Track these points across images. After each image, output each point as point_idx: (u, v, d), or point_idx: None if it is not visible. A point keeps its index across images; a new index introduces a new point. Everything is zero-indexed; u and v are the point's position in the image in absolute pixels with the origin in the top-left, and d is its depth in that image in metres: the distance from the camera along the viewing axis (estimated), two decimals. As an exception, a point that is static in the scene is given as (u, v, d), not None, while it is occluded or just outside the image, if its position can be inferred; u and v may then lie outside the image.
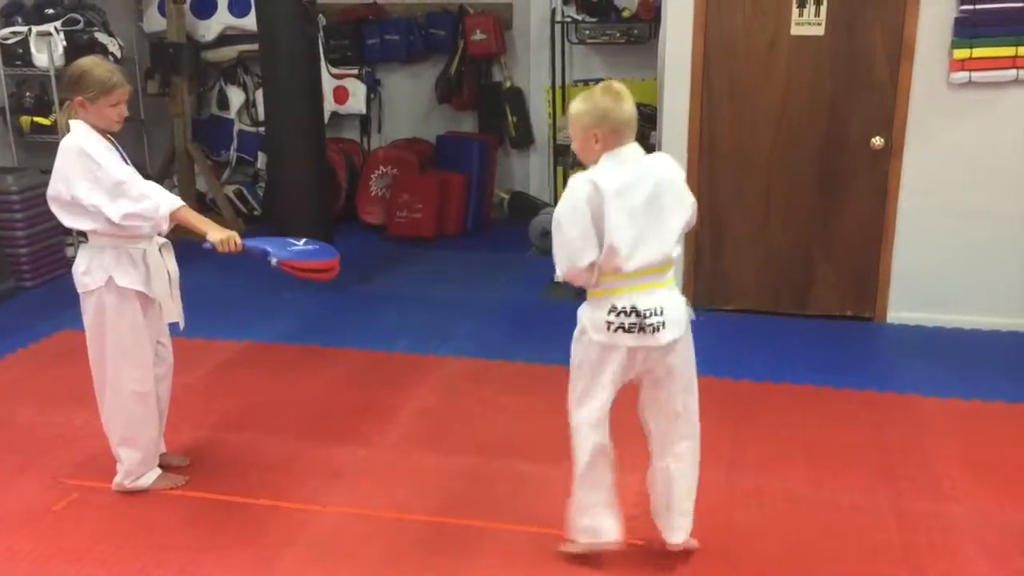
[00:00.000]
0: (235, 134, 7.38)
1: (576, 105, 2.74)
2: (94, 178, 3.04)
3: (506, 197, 7.37)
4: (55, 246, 5.93)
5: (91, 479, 3.50)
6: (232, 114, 7.38)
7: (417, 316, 5.34)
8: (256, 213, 7.21)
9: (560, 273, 2.78)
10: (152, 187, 3.11)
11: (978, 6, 4.62)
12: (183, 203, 3.12)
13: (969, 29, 4.65)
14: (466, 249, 6.70)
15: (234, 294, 5.61)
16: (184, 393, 3.85)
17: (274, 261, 3.17)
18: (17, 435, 3.88)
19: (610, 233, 2.66)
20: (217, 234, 3.12)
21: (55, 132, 5.81)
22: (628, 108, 2.71)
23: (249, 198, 7.31)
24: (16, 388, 4.36)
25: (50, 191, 3.13)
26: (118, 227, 3.10)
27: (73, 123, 3.13)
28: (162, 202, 3.06)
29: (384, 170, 7.08)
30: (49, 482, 3.49)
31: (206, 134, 7.35)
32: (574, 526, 2.98)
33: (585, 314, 2.82)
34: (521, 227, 6.68)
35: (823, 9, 4.85)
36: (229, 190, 7.34)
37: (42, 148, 5.99)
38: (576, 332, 2.87)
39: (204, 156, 7.19)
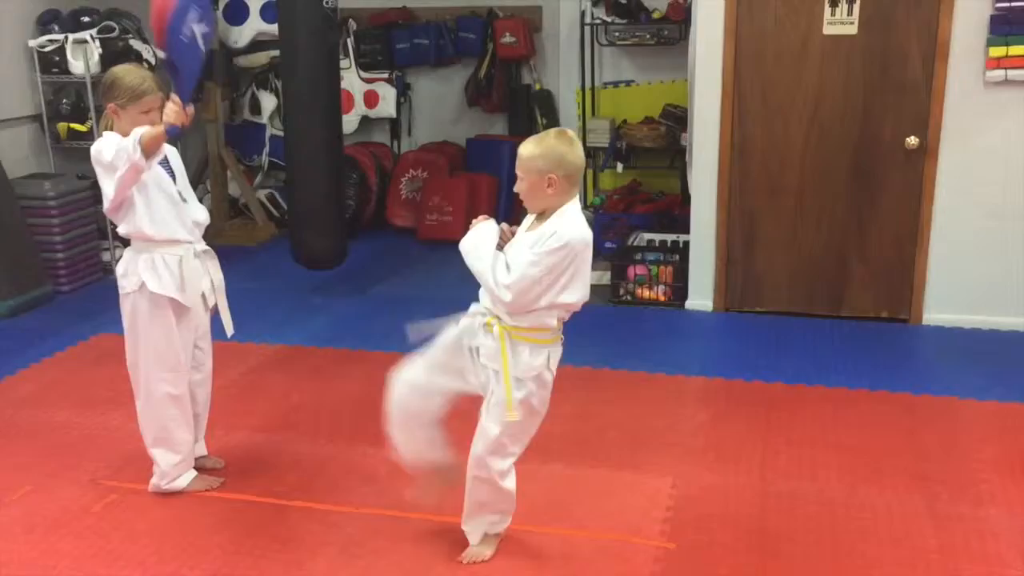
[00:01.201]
0: (267, 139, 7.44)
1: (528, 148, 2.70)
2: (100, 169, 3.12)
3: (536, 199, 7.36)
4: (91, 251, 6.01)
5: (128, 480, 3.54)
6: (264, 119, 7.44)
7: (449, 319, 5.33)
8: (288, 217, 7.26)
9: (511, 297, 2.69)
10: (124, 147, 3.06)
11: (1014, 3, 4.56)
12: (140, 133, 3.04)
13: (1005, 27, 4.59)
14: (496, 252, 6.70)
15: (265, 297, 5.66)
16: (218, 395, 3.87)
17: (163, 55, 3.15)
18: (56, 437, 3.94)
19: (584, 284, 2.75)
20: (169, 117, 3.05)
21: (91, 138, 5.91)
22: (581, 154, 2.72)
23: (281, 202, 7.36)
24: (54, 391, 4.42)
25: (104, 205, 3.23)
26: (151, 228, 3.16)
27: (106, 133, 3.17)
28: (129, 145, 3.02)
29: (414, 173, 7.10)
30: (88, 484, 3.54)
31: (239, 139, 7.41)
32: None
33: (531, 360, 2.78)
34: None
35: (856, 8, 4.81)
36: (261, 194, 7.41)
37: (79, 154, 6.07)
38: (522, 378, 2.78)
39: (237, 161, 7.26)
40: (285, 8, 5.30)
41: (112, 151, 3.06)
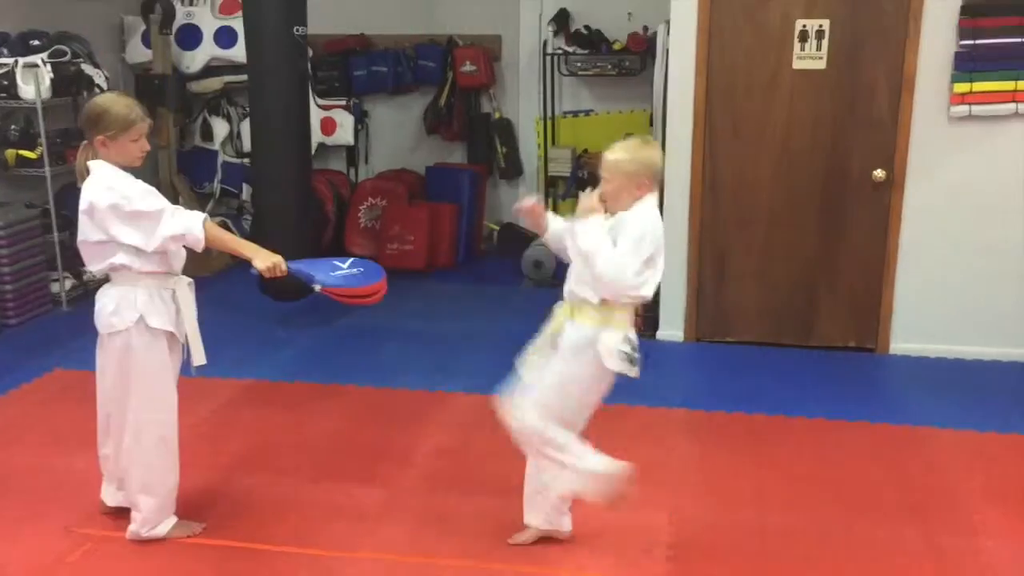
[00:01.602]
0: (219, 166, 7.27)
1: (618, 153, 2.93)
2: (124, 215, 2.98)
3: (496, 228, 7.33)
4: (40, 282, 5.74)
5: (104, 528, 3.36)
6: (216, 145, 7.27)
7: (418, 351, 5.25)
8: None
9: (641, 290, 2.92)
10: (178, 210, 3.06)
11: (978, 41, 4.69)
12: (206, 217, 3.09)
13: (969, 63, 4.72)
14: (459, 281, 6.64)
15: (229, 330, 5.47)
16: (190, 435, 3.72)
17: (319, 288, 3.17)
18: (19, 481, 3.73)
19: (659, 273, 2.96)
20: (262, 261, 3.07)
21: (41, 166, 5.70)
22: (662, 157, 3.01)
23: (234, 230, 7.17)
24: (12, 431, 4.20)
25: (80, 236, 3.07)
26: (155, 259, 3.04)
27: (93, 164, 3.04)
28: (192, 224, 3.02)
29: (373, 201, 7.00)
30: (60, 531, 3.35)
31: (189, 166, 7.23)
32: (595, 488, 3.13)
33: (604, 338, 2.99)
34: (511, 259, 6.64)
35: (824, 43, 4.89)
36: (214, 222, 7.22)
37: (28, 182, 5.85)
38: (583, 347, 3.02)
39: (189, 188, 7.07)
40: (252, 36, 5.18)
41: (146, 202, 2.99)
